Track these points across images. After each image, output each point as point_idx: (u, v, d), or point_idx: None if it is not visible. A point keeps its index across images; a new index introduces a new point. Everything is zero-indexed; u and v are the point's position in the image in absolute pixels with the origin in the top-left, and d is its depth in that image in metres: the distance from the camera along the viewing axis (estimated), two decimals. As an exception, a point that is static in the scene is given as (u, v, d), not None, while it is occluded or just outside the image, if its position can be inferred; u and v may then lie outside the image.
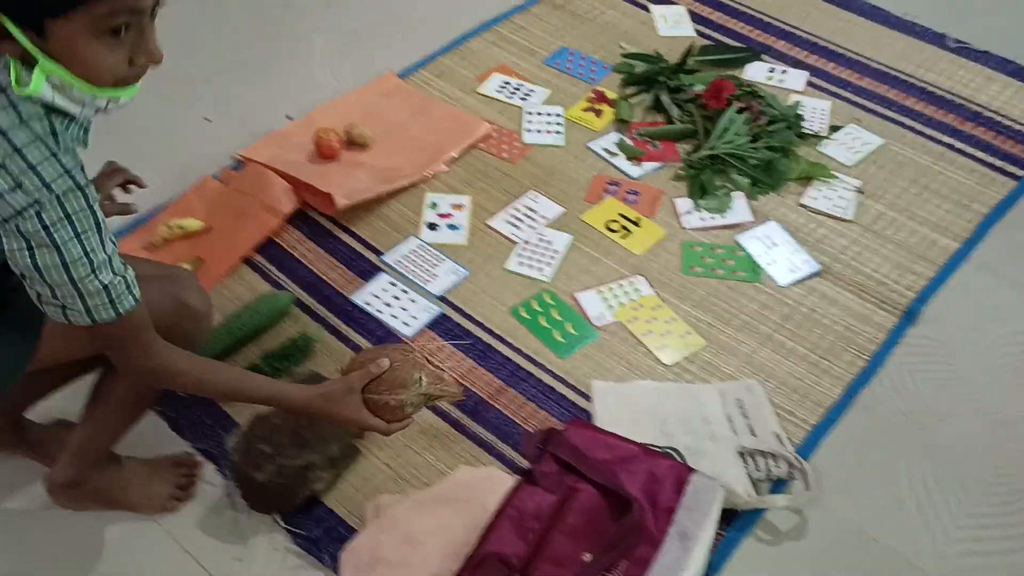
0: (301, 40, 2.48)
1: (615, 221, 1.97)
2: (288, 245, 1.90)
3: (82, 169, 1.01)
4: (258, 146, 2.10)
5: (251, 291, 1.81)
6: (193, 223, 1.89)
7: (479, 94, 2.29)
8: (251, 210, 1.92)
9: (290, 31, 2.52)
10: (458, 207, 1.99)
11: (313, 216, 1.97)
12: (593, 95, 2.28)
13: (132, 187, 1.51)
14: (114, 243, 1.06)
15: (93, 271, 1.03)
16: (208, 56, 2.42)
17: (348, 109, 2.21)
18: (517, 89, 2.30)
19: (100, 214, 1.03)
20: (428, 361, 1.48)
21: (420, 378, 1.36)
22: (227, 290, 1.81)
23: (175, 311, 1.24)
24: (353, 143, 2.11)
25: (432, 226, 1.95)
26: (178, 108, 2.23)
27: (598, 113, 2.23)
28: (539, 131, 2.18)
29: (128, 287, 1.08)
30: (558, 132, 2.19)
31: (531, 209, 1.99)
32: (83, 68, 0.97)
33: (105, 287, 1.04)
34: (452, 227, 1.95)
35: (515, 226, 1.95)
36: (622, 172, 2.09)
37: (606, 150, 2.14)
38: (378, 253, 1.89)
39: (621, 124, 2.21)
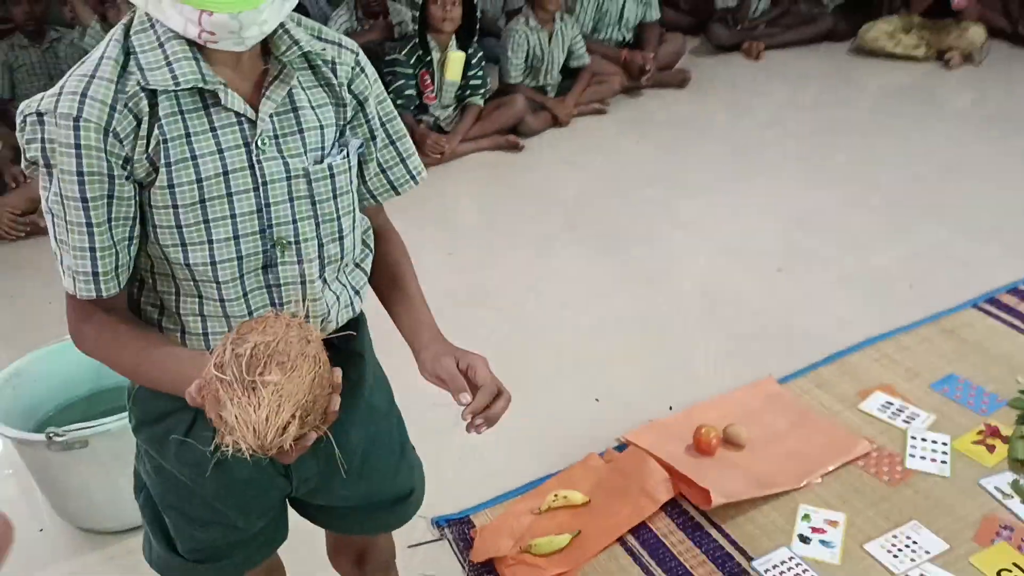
0: (687, 339, 2.68)
1: (1010, 571, 1.83)
2: (660, 532, 1.99)
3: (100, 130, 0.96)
4: (640, 431, 2.26)
5: (621, 572, 1.90)
6: (577, 496, 2.05)
7: (860, 410, 2.30)
8: (630, 493, 2.05)
9: (678, 330, 2.74)
10: (832, 523, 1.97)
11: (685, 507, 2.05)
12: (985, 428, 2.20)
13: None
14: (87, 244, 1.01)
15: (57, 247, 1.04)
16: (604, 340, 2.70)
17: (727, 408, 2.32)
18: (900, 411, 2.29)
19: (85, 205, 0.98)
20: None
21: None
22: (599, 566, 1.92)
23: None
24: (729, 442, 2.20)
25: (804, 539, 1.94)
26: (574, 388, 2.49)
27: (990, 448, 2.15)
28: (923, 458, 2.13)
29: (73, 280, 1.04)
30: (943, 462, 2.12)
31: (912, 540, 1.92)
32: None
33: (63, 263, 1.05)
34: (825, 543, 1.93)
35: (894, 555, 1.89)
36: (1018, 517, 1.96)
37: (999, 490, 2.03)
38: (748, 557, 1.91)
39: (1017, 464, 2.09)
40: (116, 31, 1.02)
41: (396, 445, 1.37)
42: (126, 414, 1.84)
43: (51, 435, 1.83)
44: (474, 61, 4.08)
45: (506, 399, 1.11)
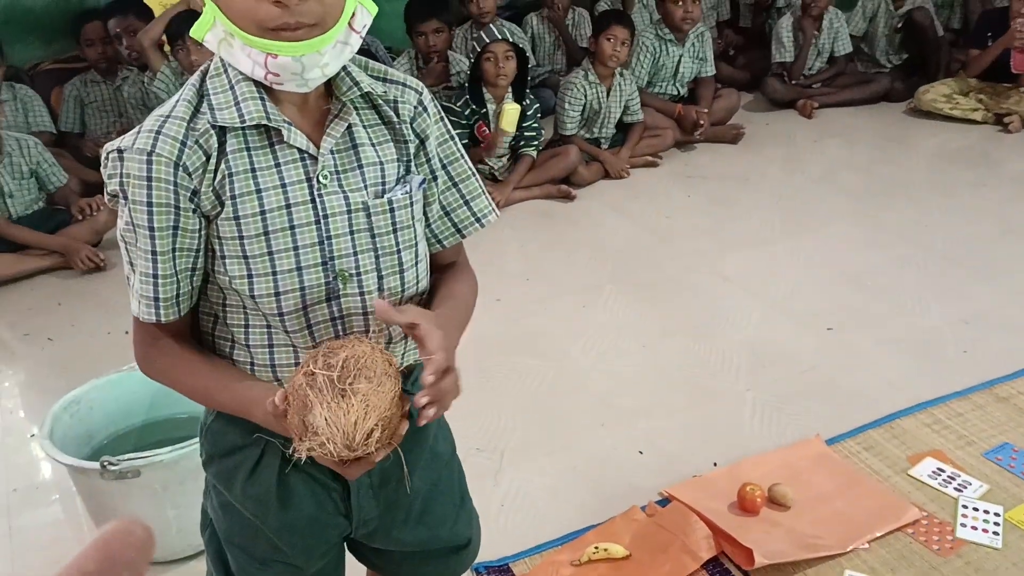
0: (733, 394, 2.66)
1: (1063, 650, 1.78)
2: (700, 591, 1.97)
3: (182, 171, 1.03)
4: (683, 486, 2.24)
5: (660, 629, 1.88)
6: (618, 549, 2.04)
7: (910, 476, 2.26)
8: (671, 549, 2.03)
9: (724, 384, 2.72)
10: (878, 591, 1.93)
11: (727, 566, 2.02)
12: (1039, 500, 2.15)
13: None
14: (151, 270, 1.07)
15: (128, 272, 1.11)
16: (648, 392, 2.69)
17: (773, 467, 2.29)
18: (952, 478, 2.24)
19: (152, 234, 1.05)
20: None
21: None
22: (638, 622, 1.90)
23: None
24: (774, 501, 2.17)
25: (848, 605, 1.90)
26: (618, 439, 2.48)
27: (1045, 521, 2.09)
28: (974, 528, 2.08)
29: (138, 303, 1.10)
30: (995, 533, 2.07)
31: (961, 612, 1.87)
32: (225, 8, 0.99)
33: (132, 287, 1.11)
34: (870, 611, 1.89)
35: (941, 627, 1.84)
36: (1073, 594, 1.91)
37: (1053, 564, 1.98)
38: (790, 621, 1.88)
39: (1073, 538, 2.04)
40: (194, 77, 1.10)
41: (457, 494, 1.38)
42: (178, 445, 1.90)
43: (105, 463, 1.87)
44: (529, 113, 4.15)
45: (454, 378, 1.04)
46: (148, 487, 1.93)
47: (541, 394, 2.71)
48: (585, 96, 4.36)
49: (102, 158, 1.07)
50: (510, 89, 4.05)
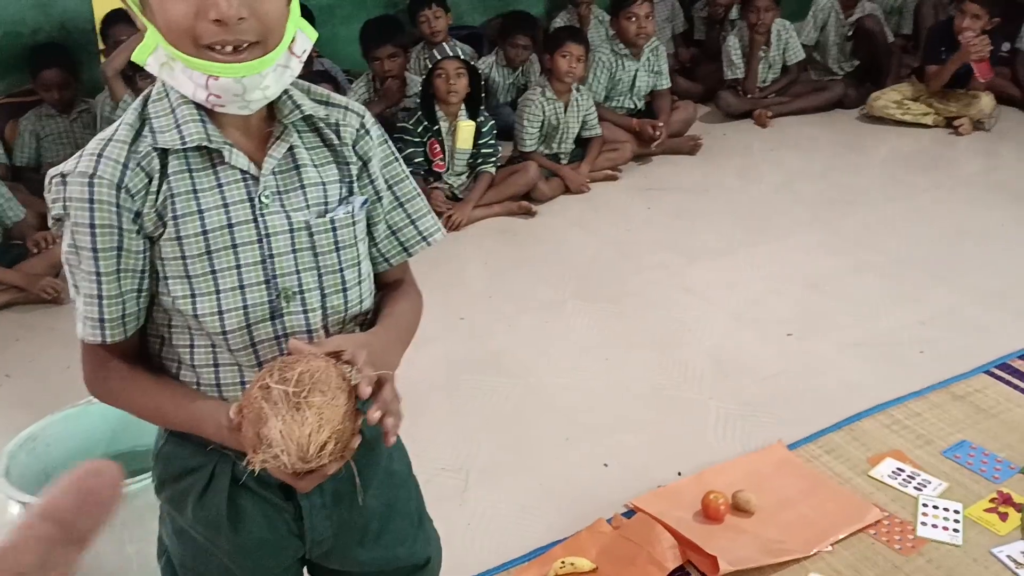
0: (696, 404, 2.68)
1: (1023, 642, 1.80)
2: (668, 601, 1.97)
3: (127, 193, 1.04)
4: (649, 497, 2.25)
5: (628, 641, 1.88)
6: (584, 563, 2.04)
7: (870, 477, 2.29)
8: (638, 560, 2.04)
9: (688, 395, 2.75)
10: (842, 593, 1.95)
11: (692, 574, 2.03)
12: (997, 496, 2.18)
13: None
14: (96, 291, 1.08)
15: (74, 295, 1.11)
16: (613, 405, 2.70)
17: (736, 474, 2.31)
18: (912, 477, 2.27)
19: (95, 255, 1.06)
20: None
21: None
22: (606, 635, 1.90)
23: None
24: (738, 508, 2.19)
25: (814, 608, 1.92)
26: (583, 453, 2.49)
27: (1003, 516, 2.12)
28: (935, 526, 2.11)
29: (83, 325, 1.10)
30: (955, 530, 2.10)
31: (924, 610, 1.90)
32: (164, 27, 1.00)
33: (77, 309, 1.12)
34: (835, 613, 1.91)
35: (905, 626, 1.86)
36: (1031, 587, 1.94)
37: (1011, 559, 2.01)
38: (756, 627, 1.89)
39: (1030, 532, 2.07)
40: (137, 101, 1.12)
41: (414, 513, 1.38)
42: (135, 479, 1.88)
43: (62, 499, 1.84)
44: (485, 130, 4.17)
45: (391, 389, 1.04)
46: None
47: (506, 411, 2.71)
48: (543, 112, 4.38)
49: (46, 183, 1.08)
50: (464, 107, 4.07)
